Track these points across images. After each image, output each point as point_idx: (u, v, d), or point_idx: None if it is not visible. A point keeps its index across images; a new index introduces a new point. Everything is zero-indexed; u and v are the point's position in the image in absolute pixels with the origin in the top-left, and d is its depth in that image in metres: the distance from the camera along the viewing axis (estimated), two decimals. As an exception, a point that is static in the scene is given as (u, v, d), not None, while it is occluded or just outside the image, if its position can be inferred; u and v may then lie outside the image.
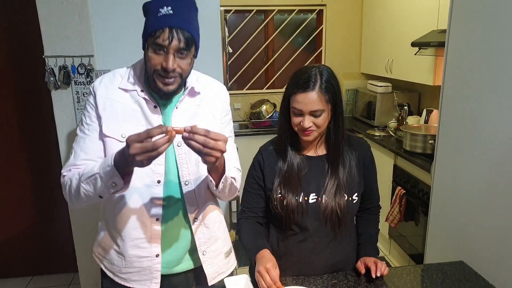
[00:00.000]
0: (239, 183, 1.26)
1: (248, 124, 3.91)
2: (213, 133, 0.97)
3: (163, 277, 1.26)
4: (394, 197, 2.76)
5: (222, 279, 1.27)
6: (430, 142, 2.56)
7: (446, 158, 1.61)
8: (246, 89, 4.08)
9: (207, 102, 1.25)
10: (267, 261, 1.16)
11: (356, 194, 1.29)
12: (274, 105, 3.87)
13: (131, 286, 1.25)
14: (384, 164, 2.97)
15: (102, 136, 1.16)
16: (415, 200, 2.56)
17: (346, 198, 1.27)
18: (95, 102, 1.17)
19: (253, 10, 3.90)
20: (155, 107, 1.18)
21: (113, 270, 1.26)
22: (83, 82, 1.95)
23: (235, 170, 1.26)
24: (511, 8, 1.24)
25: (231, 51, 3.64)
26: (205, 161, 1.00)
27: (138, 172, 1.14)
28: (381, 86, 3.48)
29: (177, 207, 1.23)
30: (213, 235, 1.29)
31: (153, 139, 0.92)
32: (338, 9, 3.98)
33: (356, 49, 4.10)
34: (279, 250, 1.31)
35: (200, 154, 0.98)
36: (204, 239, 1.26)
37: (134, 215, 1.19)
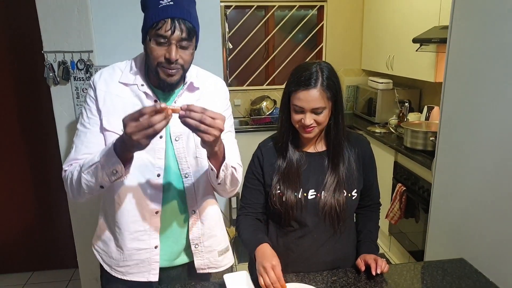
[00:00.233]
0: (240, 176, 1.25)
1: (248, 121, 3.90)
2: (210, 111, 0.94)
3: (162, 269, 1.27)
4: (394, 194, 2.75)
5: (220, 274, 1.28)
6: (431, 139, 2.55)
7: (447, 155, 1.61)
8: (246, 85, 4.07)
9: (206, 97, 1.25)
10: (272, 258, 1.15)
11: (355, 190, 1.29)
12: (275, 102, 3.86)
13: (129, 279, 1.26)
14: (385, 161, 2.97)
15: (102, 130, 1.16)
16: (416, 197, 2.56)
17: (345, 194, 1.27)
18: (95, 96, 1.17)
19: (253, 6, 3.88)
20: (155, 101, 1.18)
21: (111, 263, 1.27)
22: (82, 77, 1.94)
23: (236, 163, 1.25)
24: (514, 4, 1.23)
25: (231, 47, 3.62)
26: (203, 142, 0.98)
27: (138, 166, 1.15)
28: (382, 83, 3.47)
29: (177, 200, 1.24)
30: (207, 232, 1.29)
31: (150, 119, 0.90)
32: (339, 5, 3.96)
33: (357, 46, 4.08)
34: (278, 246, 1.30)
35: (197, 133, 0.95)
36: (198, 233, 1.27)
37: (134, 208, 1.20)
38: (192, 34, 1.09)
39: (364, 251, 1.30)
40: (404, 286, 1.23)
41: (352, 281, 1.24)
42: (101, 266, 1.32)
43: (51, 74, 1.91)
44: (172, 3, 1.05)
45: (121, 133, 1.13)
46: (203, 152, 1.18)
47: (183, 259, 1.31)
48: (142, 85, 1.17)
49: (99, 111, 1.17)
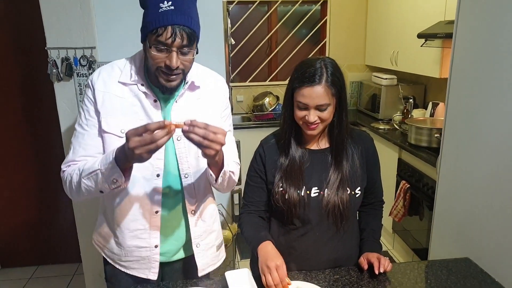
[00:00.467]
0: (237, 177, 1.28)
1: (250, 117, 3.89)
2: (212, 127, 0.98)
3: (161, 264, 1.28)
4: (398, 191, 2.74)
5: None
6: (435, 135, 2.53)
7: (452, 152, 1.59)
8: (248, 81, 4.05)
9: (207, 96, 1.24)
10: (276, 257, 1.15)
11: (359, 188, 1.28)
12: (277, 98, 3.84)
13: (132, 274, 1.28)
14: (389, 157, 2.95)
15: (101, 132, 1.16)
16: (420, 195, 2.54)
17: (348, 192, 1.25)
18: (94, 97, 1.16)
19: (256, 1, 3.85)
20: (155, 101, 1.17)
21: (114, 258, 1.29)
22: (85, 74, 1.94)
23: (234, 164, 1.27)
24: (522, -1, 1.20)
25: (234, 42, 3.60)
26: (205, 154, 1.01)
27: (138, 166, 1.15)
28: (386, 79, 3.44)
29: (177, 200, 1.24)
30: (208, 229, 1.32)
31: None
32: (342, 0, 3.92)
33: (360, 41, 4.05)
34: (281, 244, 1.29)
35: (200, 147, 0.99)
36: (200, 232, 1.29)
37: (134, 207, 1.21)
38: (193, 39, 1.07)
39: (367, 250, 1.30)
40: (408, 285, 1.22)
41: (355, 279, 1.23)
42: (104, 258, 1.33)
43: (54, 71, 1.91)
44: (172, 7, 1.02)
45: (120, 134, 1.13)
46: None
47: (181, 254, 1.32)
48: (142, 84, 1.16)
49: (97, 113, 1.16)
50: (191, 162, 1.22)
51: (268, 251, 1.18)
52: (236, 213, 2.98)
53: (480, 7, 1.40)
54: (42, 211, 2.80)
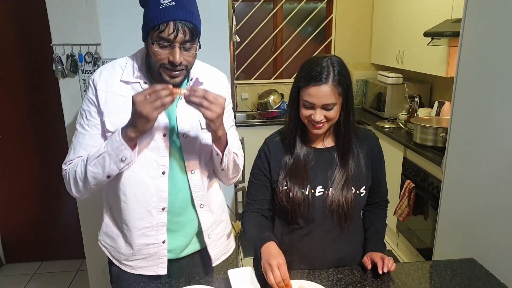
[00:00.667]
0: (241, 164, 1.31)
1: (255, 115, 3.88)
2: (212, 92, 1.06)
3: (170, 261, 1.29)
4: (403, 191, 2.72)
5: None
6: (441, 135, 2.51)
7: (458, 151, 1.57)
8: (253, 79, 4.04)
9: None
10: (278, 256, 1.14)
11: (363, 187, 1.27)
12: (282, 96, 3.83)
13: (138, 273, 1.28)
14: (394, 157, 2.93)
15: (105, 131, 1.16)
16: (425, 194, 2.53)
17: (353, 191, 1.24)
18: (96, 97, 1.16)
19: (262, -2, 3.84)
20: None
21: (120, 258, 1.29)
22: (90, 70, 1.94)
23: (238, 149, 1.30)
24: (531, -3, 1.18)
25: (239, 40, 3.59)
26: (207, 118, 1.06)
27: (142, 164, 1.16)
28: (392, 77, 3.42)
29: (184, 195, 1.25)
30: (217, 219, 1.34)
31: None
32: (348, -3, 3.90)
33: (366, 39, 4.02)
34: (284, 244, 1.29)
35: (201, 109, 1.05)
36: (209, 223, 1.31)
37: (140, 206, 1.21)
38: (195, 34, 1.07)
39: (371, 249, 1.29)
40: (412, 286, 1.21)
41: (358, 279, 1.23)
42: (109, 259, 1.33)
43: (59, 67, 1.91)
44: (173, 3, 1.02)
45: None
46: (209, 149, 1.22)
47: (191, 248, 1.34)
48: (145, 82, 1.16)
49: (100, 113, 1.16)
50: (197, 158, 1.23)
51: (270, 250, 1.17)
52: (240, 211, 2.98)
53: (487, 6, 1.38)
54: (46, 207, 2.82)
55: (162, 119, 1.17)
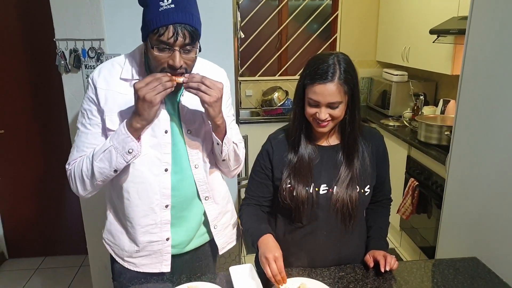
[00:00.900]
0: (242, 155, 1.31)
1: (259, 112, 3.87)
2: (209, 78, 1.08)
3: (173, 256, 1.29)
4: (406, 189, 2.71)
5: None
6: (446, 133, 2.49)
7: (463, 150, 1.56)
8: (258, 76, 4.03)
9: None
10: (275, 249, 1.14)
11: (368, 186, 1.26)
12: (287, 93, 3.81)
13: (142, 271, 1.28)
14: (398, 155, 2.91)
15: (105, 130, 1.16)
16: (428, 193, 2.51)
17: (358, 190, 1.23)
18: (96, 96, 1.15)
19: (266, -6, 3.82)
20: None
21: (123, 255, 1.29)
22: (93, 66, 1.94)
23: (238, 139, 1.30)
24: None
25: (243, 36, 3.58)
26: (205, 103, 1.08)
27: (145, 162, 1.16)
28: (397, 75, 3.39)
29: (189, 190, 1.25)
30: (222, 210, 1.36)
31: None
32: (354, -6, 3.87)
33: (372, 36, 3.99)
34: (287, 242, 1.28)
35: (199, 93, 1.07)
36: (215, 214, 1.32)
37: (143, 203, 1.21)
38: (195, 37, 1.06)
39: (374, 247, 1.28)
40: (414, 284, 1.20)
41: (360, 277, 1.22)
42: (111, 256, 1.33)
43: (62, 62, 1.91)
44: (173, 5, 1.00)
45: None
46: (211, 141, 1.23)
47: (194, 243, 1.34)
48: None
49: (100, 112, 1.16)
50: (201, 154, 1.24)
51: (267, 243, 1.17)
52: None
53: (494, 3, 1.36)
54: (49, 202, 2.83)
55: (163, 116, 1.16)
